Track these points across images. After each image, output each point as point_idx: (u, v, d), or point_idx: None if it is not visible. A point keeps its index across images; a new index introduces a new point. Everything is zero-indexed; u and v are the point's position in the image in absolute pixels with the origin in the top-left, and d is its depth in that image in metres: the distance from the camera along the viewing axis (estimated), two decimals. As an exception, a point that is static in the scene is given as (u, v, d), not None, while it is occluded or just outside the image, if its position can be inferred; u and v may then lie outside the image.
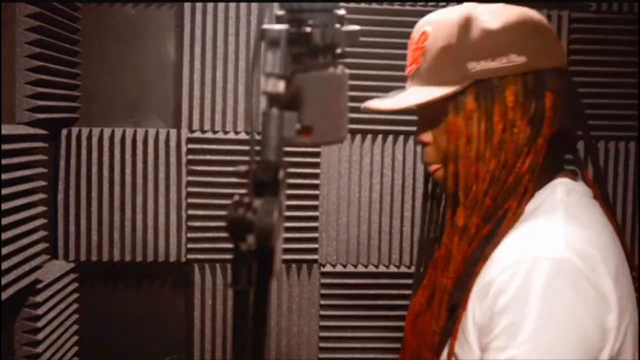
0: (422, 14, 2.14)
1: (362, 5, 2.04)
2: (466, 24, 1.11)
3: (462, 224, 1.10)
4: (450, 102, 1.10)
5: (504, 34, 1.10)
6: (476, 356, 1.04)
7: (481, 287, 1.03)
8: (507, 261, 1.01)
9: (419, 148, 2.05)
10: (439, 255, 1.13)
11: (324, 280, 2.09)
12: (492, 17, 1.11)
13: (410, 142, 2.07)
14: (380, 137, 2.07)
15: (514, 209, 1.08)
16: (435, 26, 1.14)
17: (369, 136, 2.07)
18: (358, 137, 2.06)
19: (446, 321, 1.10)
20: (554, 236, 1.01)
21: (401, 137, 2.06)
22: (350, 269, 2.10)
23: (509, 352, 0.95)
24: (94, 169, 1.98)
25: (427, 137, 1.15)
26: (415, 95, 1.12)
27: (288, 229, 2.00)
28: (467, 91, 1.09)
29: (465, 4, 1.15)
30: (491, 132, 1.08)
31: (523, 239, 1.04)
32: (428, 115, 1.13)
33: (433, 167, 1.16)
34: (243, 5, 2.01)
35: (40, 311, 1.73)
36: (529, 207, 1.09)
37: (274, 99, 0.81)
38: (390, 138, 2.06)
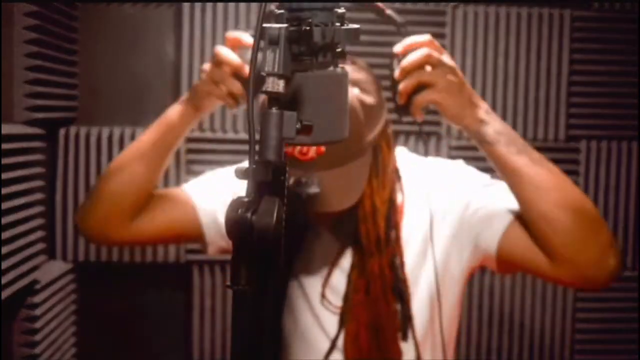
0: (423, 13, 2.14)
1: (362, 4, 2.02)
2: (357, 107, 1.27)
3: (374, 267, 1.31)
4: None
5: (379, 102, 1.32)
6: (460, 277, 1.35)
7: (442, 215, 1.33)
8: (443, 188, 1.34)
9: (420, 146, 2.04)
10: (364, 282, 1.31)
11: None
12: (366, 92, 1.30)
13: (410, 141, 2.06)
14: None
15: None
16: None
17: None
18: (358, 136, 2.05)
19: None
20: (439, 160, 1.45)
21: (401, 137, 2.05)
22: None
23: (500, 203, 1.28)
24: (92, 168, 1.97)
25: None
26: (349, 187, 1.28)
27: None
28: (367, 157, 1.30)
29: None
30: (383, 179, 1.33)
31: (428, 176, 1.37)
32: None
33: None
34: (242, 4, 2.00)
35: (38, 312, 1.72)
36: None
37: (273, 99, 0.80)
38: (391, 138, 2.05)
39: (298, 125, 0.80)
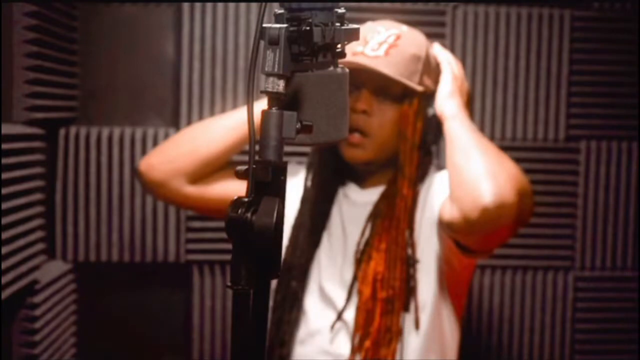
0: (423, 13, 2.14)
1: (363, 4, 2.03)
2: (428, 48, 1.51)
3: (406, 193, 1.46)
4: (409, 96, 1.47)
5: (437, 71, 1.51)
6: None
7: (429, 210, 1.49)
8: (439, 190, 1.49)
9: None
10: (388, 224, 1.46)
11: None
12: (431, 50, 1.52)
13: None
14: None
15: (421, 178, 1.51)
16: (407, 36, 1.49)
17: (369, 136, 2.06)
18: (358, 136, 2.05)
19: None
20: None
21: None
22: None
23: None
24: (92, 168, 1.97)
25: (368, 106, 1.45)
26: (397, 72, 1.44)
27: (288, 229, 1.98)
28: (421, 94, 1.48)
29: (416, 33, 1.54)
30: (419, 128, 1.48)
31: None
32: (383, 93, 1.46)
33: (356, 137, 1.45)
34: (243, 4, 2.00)
35: (38, 312, 1.71)
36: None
37: (273, 99, 0.80)
38: (391, 138, 2.05)
39: (298, 125, 0.80)
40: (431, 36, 2.04)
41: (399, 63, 1.43)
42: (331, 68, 0.84)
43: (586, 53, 2.08)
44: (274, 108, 0.80)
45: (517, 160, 2.07)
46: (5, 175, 1.54)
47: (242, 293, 0.79)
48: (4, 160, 1.53)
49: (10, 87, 1.62)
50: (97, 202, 1.98)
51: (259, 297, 0.80)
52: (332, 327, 1.47)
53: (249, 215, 0.78)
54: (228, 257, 0.81)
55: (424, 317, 1.46)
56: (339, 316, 1.47)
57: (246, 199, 0.79)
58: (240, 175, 0.81)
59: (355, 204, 1.53)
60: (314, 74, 0.82)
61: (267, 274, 0.81)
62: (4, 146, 1.53)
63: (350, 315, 1.47)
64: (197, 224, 2.01)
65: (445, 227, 1.42)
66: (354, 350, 1.44)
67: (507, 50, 2.06)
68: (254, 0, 1.97)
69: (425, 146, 1.49)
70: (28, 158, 1.70)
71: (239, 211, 0.79)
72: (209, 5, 1.99)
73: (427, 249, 1.48)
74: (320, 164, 1.54)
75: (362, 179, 1.54)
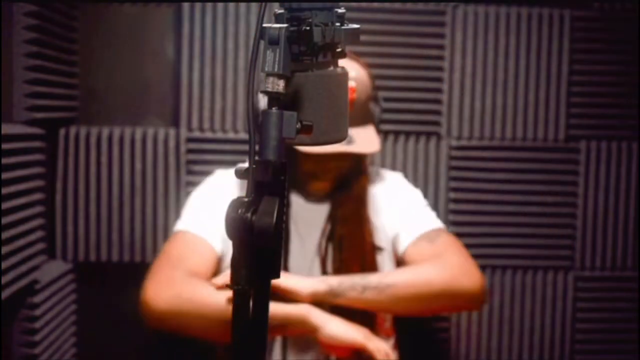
0: (423, 13, 2.14)
1: (363, 4, 2.03)
2: (371, 77, 1.65)
3: (358, 192, 1.67)
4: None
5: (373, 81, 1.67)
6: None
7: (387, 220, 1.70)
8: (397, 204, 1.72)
9: (420, 147, 2.04)
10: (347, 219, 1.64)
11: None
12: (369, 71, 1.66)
13: (410, 142, 2.05)
14: (380, 136, 2.06)
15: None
16: (359, 82, 1.60)
17: (369, 136, 2.05)
18: (358, 136, 2.05)
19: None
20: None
21: (402, 137, 2.05)
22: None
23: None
24: (92, 168, 1.97)
25: (328, 172, 1.64)
26: (375, 138, 1.65)
27: (288, 229, 1.98)
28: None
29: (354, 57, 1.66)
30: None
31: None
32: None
33: (321, 184, 1.66)
34: (243, 4, 2.00)
35: (38, 312, 1.72)
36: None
37: (273, 99, 0.80)
38: (391, 138, 2.05)
39: (298, 125, 0.80)
40: (431, 36, 2.05)
41: (361, 114, 1.61)
42: (331, 68, 0.84)
43: (586, 53, 2.08)
44: (274, 108, 0.80)
45: (517, 160, 2.09)
46: (5, 175, 1.54)
47: (242, 293, 0.79)
48: (4, 160, 1.53)
49: (10, 87, 1.62)
50: (97, 202, 1.98)
51: (259, 297, 0.80)
52: None
53: (249, 215, 0.78)
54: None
55: None
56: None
57: (246, 199, 0.79)
58: (240, 175, 0.81)
59: (307, 210, 1.67)
60: (314, 74, 0.82)
61: (267, 274, 0.81)
62: (4, 146, 1.53)
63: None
64: (197, 224, 2.01)
65: None
66: None
67: (507, 50, 2.06)
68: (254, 0, 1.97)
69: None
70: (28, 158, 1.69)
71: (239, 211, 0.79)
72: (209, 5, 1.99)
73: (386, 238, 1.68)
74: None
75: (307, 188, 1.68)
